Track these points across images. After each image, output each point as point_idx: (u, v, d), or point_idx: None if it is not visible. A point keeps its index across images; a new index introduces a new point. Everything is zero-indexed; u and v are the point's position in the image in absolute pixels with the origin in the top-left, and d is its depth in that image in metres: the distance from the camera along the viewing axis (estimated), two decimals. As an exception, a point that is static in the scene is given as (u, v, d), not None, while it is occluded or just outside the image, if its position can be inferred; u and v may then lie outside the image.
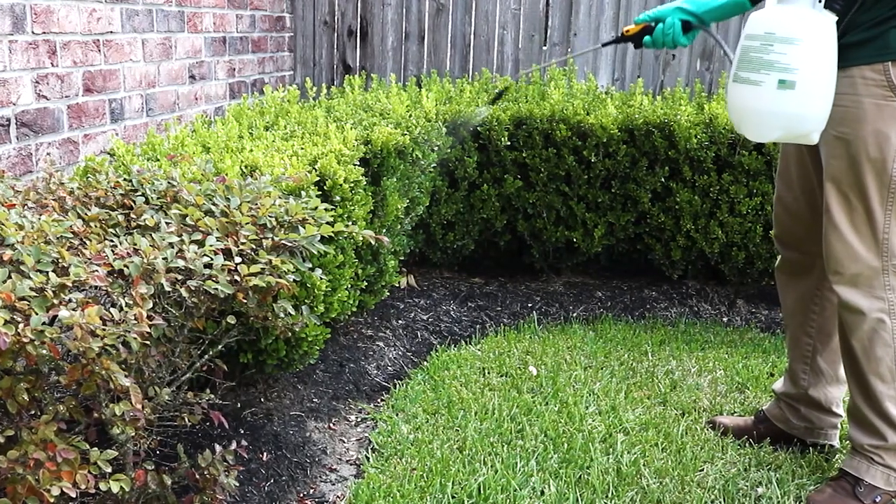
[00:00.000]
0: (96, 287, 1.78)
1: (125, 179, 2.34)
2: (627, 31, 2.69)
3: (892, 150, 2.29)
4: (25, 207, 2.10)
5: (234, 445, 2.16)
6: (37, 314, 1.61)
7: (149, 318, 1.74)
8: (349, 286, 2.95)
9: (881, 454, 2.48)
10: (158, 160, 2.72)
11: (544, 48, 5.51)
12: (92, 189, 2.26)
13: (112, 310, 1.70)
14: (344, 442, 2.84)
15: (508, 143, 4.11)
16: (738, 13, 2.57)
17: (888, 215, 2.35)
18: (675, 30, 2.57)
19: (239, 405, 2.77)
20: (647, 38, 2.64)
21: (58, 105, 3.27)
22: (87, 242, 1.91)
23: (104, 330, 1.64)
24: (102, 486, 1.76)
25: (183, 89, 4.28)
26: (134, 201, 2.22)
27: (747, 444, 2.84)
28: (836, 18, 2.23)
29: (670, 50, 2.61)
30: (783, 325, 2.88)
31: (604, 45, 2.86)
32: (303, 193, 2.46)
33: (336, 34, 5.73)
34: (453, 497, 2.47)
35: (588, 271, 4.52)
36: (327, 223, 2.27)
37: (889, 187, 2.33)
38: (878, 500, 2.47)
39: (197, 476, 2.08)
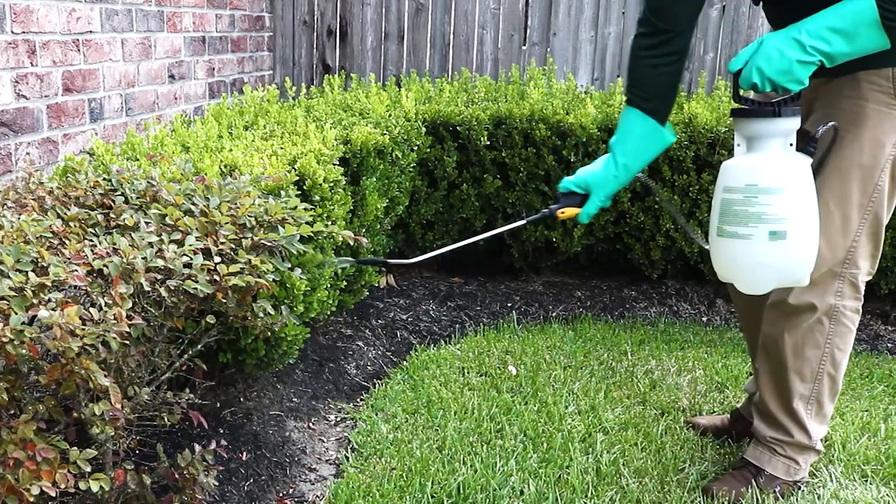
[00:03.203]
0: (76, 287, 1.77)
1: (105, 179, 2.34)
2: (563, 212, 2.44)
3: (884, 160, 2.25)
4: (5, 207, 2.09)
5: (213, 445, 2.16)
6: (16, 314, 1.61)
7: (128, 317, 1.74)
8: (329, 286, 2.96)
9: (784, 446, 2.53)
10: (138, 160, 2.72)
11: (524, 48, 5.53)
12: (71, 189, 2.26)
13: (91, 309, 1.70)
14: (323, 441, 2.85)
15: (488, 143, 4.12)
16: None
17: (862, 224, 2.32)
18: (606, 203, 2.44)
19: (218, 405, 2.77)
20: (581, 215, 2.43)
21: (37, 105, 3.26)
22: (67, 242, 1.91)
23: (84, 329, 1.64)
24: (82, 486, 1.75)
25: (162, 89, 4.27)
26: (113, 201, 2.21)
27: (727, 444, 2.85)
28: (812, 161, 2.17)
29: None
30: (740, 327, 2.89)
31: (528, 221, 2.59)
32: (282, 193, 2.46)
33: (315, 34, 5.73)
34: (433, 497, 2.48)
35: (567, 271, 4.53)
36: (307, 223, 2.28)
37: (871, 196, 2.29)
38: (777, 489, 2.52)
39: (176, 475, 2.08)
